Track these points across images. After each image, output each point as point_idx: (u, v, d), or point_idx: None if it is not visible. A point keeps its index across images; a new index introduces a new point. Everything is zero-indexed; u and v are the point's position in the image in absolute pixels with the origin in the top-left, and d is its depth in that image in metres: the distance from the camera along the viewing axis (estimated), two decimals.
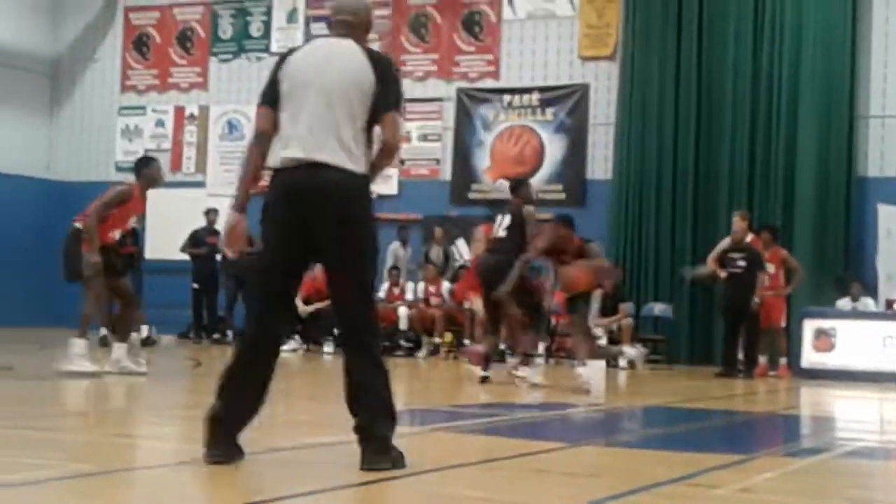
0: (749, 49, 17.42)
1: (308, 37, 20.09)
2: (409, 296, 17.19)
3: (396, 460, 5.23)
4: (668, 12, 17.81)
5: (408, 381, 13.05)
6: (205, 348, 16.78)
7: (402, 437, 7.17)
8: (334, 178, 5.07)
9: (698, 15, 17.65)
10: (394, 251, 18.31)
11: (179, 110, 20.90)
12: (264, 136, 5.24)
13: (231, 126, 20.54)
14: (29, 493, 4.55)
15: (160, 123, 21.05)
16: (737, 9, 17.51)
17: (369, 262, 5.23)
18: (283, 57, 5.37)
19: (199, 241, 18.31)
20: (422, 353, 16.57)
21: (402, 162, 19.35)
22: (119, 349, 10.46)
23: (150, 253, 20.45)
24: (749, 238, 15.05)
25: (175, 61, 21.06)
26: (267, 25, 20.45)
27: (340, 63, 5.21)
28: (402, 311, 16.86)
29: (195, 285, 18.20)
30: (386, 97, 5.19)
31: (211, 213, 18.67)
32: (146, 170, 10.97)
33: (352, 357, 5.23)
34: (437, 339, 16.63)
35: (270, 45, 20.40)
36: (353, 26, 5.41)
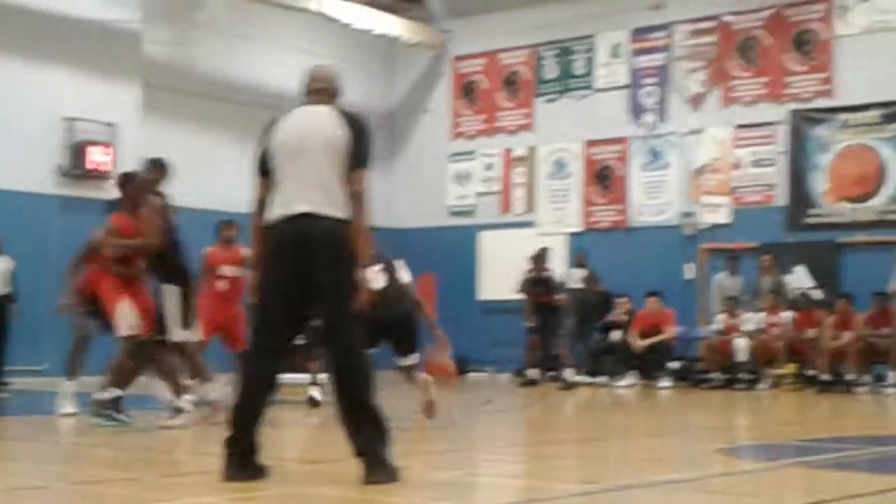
0: None
1: (633, 71, 20.05)
2: (748, 326, 16.65)
3: (392, 474, 5.67)
4: None
5: (750, 415, 12.65)
6: (541, 386, 16.87)
7: (749, 473, 6.95)
8: (325, 226, 5.76)
9: None
10: (718, 281, 17.82)
11: (507, 152, 21.33)
12: (264, 203, 5.93)
13: (559, 165, 20.75)
14: None
15: (489, 167, 21.55)
16: None
17: (354, 295, 5.78)
18: (267, 129, 6.01)
19: (532, 288, 18.40)
20: (763, 385, 16.00)
21: (734, 189, 18.88)
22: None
23: (484, 294, 20.99)
24: None
25: (501, 105, 21.53)
26: (590, 62, 20.57)
27: (320, 128, 5.89)
28: (739, 342, 16.34)
29: (530, 324, 18.35)
30: (358, 155, 5.85)
31: (538, 259, 18.77)
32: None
33: (345, 380, 5.75)
34: (779, 371, 16.01)
35: (594, 82, 20.49)
36: (328, 92, 6.12)
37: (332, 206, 5.79)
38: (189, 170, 18.58)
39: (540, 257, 17.64)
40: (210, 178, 18.03)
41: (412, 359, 9.87)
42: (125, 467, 7.08)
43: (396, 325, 9.74)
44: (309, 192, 5.79)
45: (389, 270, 10.39)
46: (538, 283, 16.96)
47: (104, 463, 7.19)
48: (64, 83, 17.12)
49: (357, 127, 5.93)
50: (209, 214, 17.32)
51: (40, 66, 16.93)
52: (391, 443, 5.77)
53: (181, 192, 18.23)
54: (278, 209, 5.84)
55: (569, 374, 16.72)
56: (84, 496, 5.68)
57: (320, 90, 6.13)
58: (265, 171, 5.96)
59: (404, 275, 10.52)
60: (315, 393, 11.56)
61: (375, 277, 9.88)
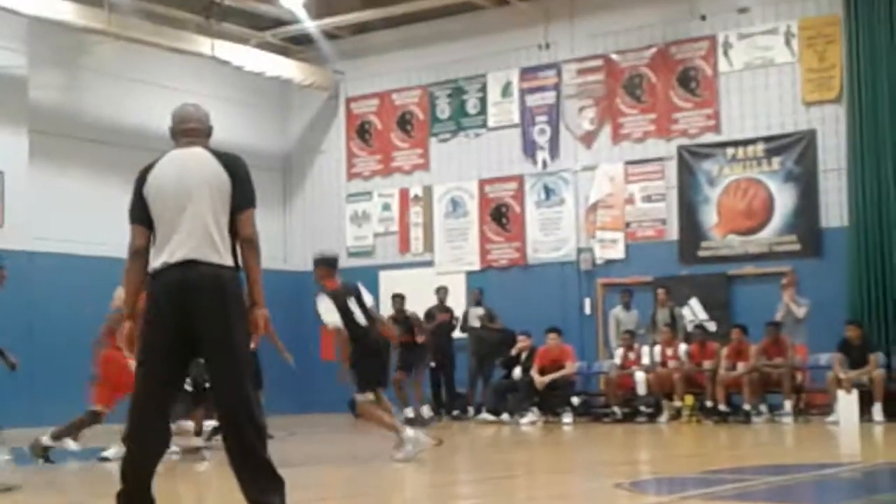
0: None
1: (525, 109, 20.29)
2: (645, 360, 16.87)
3: None
4: (895, 47, 17.11)
5: (652, 448, 12.78)
6: (445, 426, 16.88)
7: None
8: (208, 273, 5.58)
9: None
10: (615, 315, 18.10)
11: (404, 192, 21.37)
12: (140, 252, 5.74)
13: (455, 203, 20.84)
14: None
15: (387, 207, 21.56)
16: None
17: (245, 345, 5.68)
18: (142, 175, 5.80)
19: (432, 319, 18.60)
20: (663, 417, 16.19)
21: (628, 224, 19.16)
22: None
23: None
24: None
25: (397, 145, 21.58)
26: (482, 101, 20.74)
27: (196, 170, 5.69)
28: (639, 375, 16.55)
29: (432, 363, 18.43)
30: (242, 196, 5.70)
31: (441, 291, 18.97)
32: None
33: (237, 431, 5.59)
34: (677, 403, 16.22)
35: (487, 121, 20.66)
36: (201, 133, 5.90)
37: (216, 251, 5.63)
38: (78, 215, 18.39)
39: (398, 298, 17.81)
40: (99, 224, 17.72)
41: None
42: None
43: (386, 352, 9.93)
44: (191, 239, 5.61)
45: (359, 300, 10.45)
46: (398, 323, 16.80)
47: None
48: None
49: (235, 167, 5.75)
50: (98, 261, 17.07)
51: None
52: (285, 491, 5.67)
53: (70, 238, 18.01)
54: (160, 258, 5.67)
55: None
56: None
57: (192, 130, 5.91)
58: (142, 219, 5.76)
59: (368, 299, 10.57)
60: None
61: (349, 313, 9.95)
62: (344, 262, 21.48)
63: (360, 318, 10.30)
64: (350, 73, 21.98)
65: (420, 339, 17.47)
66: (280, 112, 22.65)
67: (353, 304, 10.33)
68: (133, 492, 5.63)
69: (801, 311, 16.36)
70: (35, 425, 13.20)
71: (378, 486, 8.97)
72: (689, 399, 16.10)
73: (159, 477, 5.77)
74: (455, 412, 18.28)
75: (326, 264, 10.61)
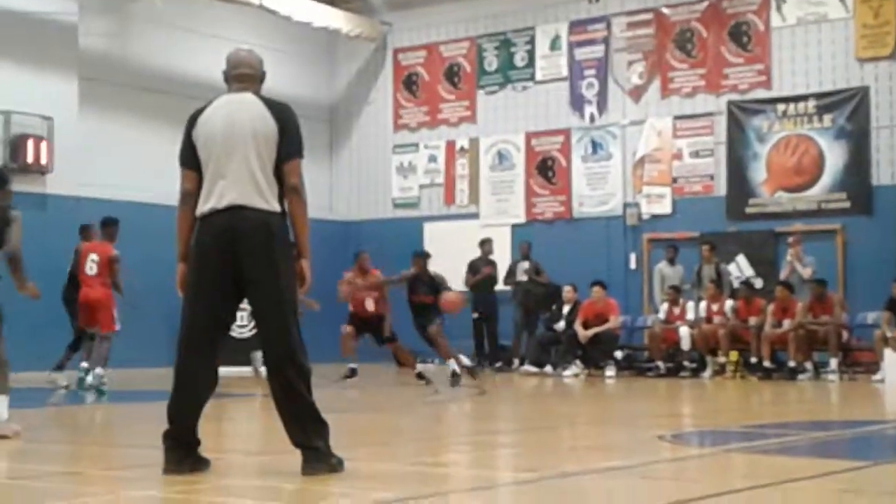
0: None
1: (573, 63, 20.13)
2: (690, 315, 16.78)
3: (335, 466, 5.65)
4: None
5: (695, 402, 12.75)
6: (487, 376, 16.92)
7: (693, 458, 7.00)
8: (255, 218, 5.62)
9: None
10: (660, 270, 18.00)
11: (450, 144, 21.31)
12: (190, 195, 5.78)
13: (501, 156, 20.77)
14: None
15: (433, 159, 21.52)
16: None
17: (291, 287, 5.71)
18: (191, 119, 5.82)
19: (476, 271, 18.63)
20: (706, 373, 16.13)
21: (675, 180, 19.02)
22: None
23: None
24: None
25: (444, 97, 21.51)
26: (531, 55, 20.60)
27: (245, 117, 5.70)
28: (684, 330, 16.48)
29: (475, 315, 18.47)
30: (290, 145, 5.72)
31: (486, 244, 18.95)
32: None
33: (280, 373, 5.65)
34: (721, 359, 16.16)
35: (535, 74, 20.53)
36: (253, 79, 5.91)
37: (262, 198, 5.65)
38: (125, 162, 18.52)
39: (420, 256, 16.12)
40: (146, 170, 17.86)
41: None
42: (69, 462, 6.97)
43: None
44: (238, 185, 5.64)
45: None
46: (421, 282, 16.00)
47: (48, 458, 7.07)
48: (0, 77, 16.83)
49: (285, 116, 5.76)
50: (144, 207, 17.19)
51: None
52: (329, 434, 5.71)
53: (118, 184, 18.15)
54: (207, 202, 5.70)
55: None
56: (23, 492, 5.57)
57: (245, 76, 5.91)
58: (191, 163, 5.78)
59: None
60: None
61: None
62: (389, 213, 21.82)
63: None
64: (397, 24, 21.89)
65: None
66: (327, 62, 22.62)
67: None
68: (179, 432, 5.70)
69: (806, 272, 16.22)
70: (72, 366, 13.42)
71: (419, 434, 9.02)
72: (734, 355, 16.03)
73: (205, 418, 5.83)
74: (498, 364, 18.32)
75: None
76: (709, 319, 16.48)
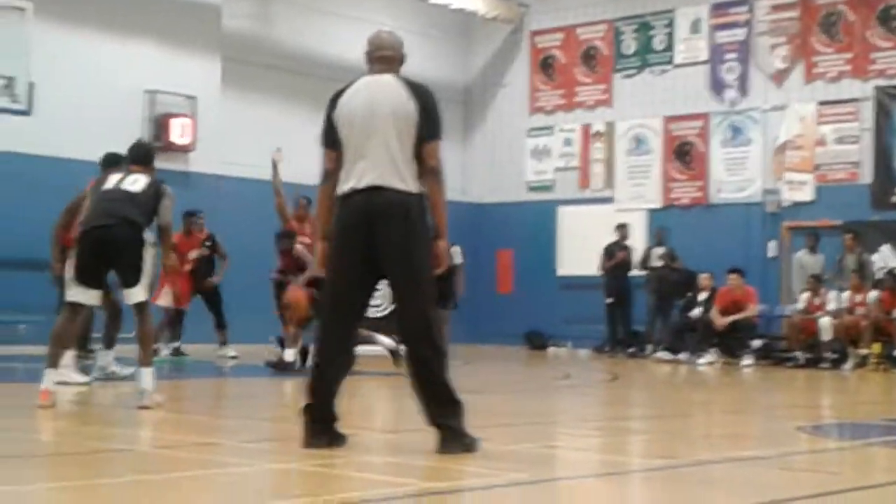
0: None
1: (714, 46, 19.76)
2: (831, 305, 16.34)
3: (469, 445, 5.67)
4: None
5: (835, 394, 12.43)
6: (620, 362, 16.79)
7: (833, 451, 6.82)
8: (394, 199, 5.66)
9: None
10: (799, 259, 17.56)
11: (586, 128, 21.14)
12: (330, 175, 5.85)
13: (638, 140, 20.52)
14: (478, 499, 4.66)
15: (568, 142, 21.38)
16: None
17: (427, 270, 5.75)
18: (333, 100, 5.88)
19: (612, 255, 18.50)
20: (848, 365, 15.70)
21: (817, 167, 18.54)
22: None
23: (562, 269, 20.89)
24: None
25: (580, 80, 21.33)
26: (670, 38, 20.28)
27: (385, 98, 5.74)
28: (825, 321, 16.05)
29: (609, 300, 18.34)
30: (428, 126, 5.74)
31: (621, 229, 18.78)
32: None
33: (417, 352, 5.70)
34: (863, 351, 15.71)
35: (674, 58, 20.21)
36: (393, 61, 5.95)
37: (401, 179, 5.69)
38: (266, 142, 18.81)
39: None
40: (286, 151, 18.11)
41: None
42: (205, 433, 7.14)
43: None
44: (378, 165, 5.69)
45: None
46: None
47: (184, 428, 7.26)
48: (146, 57, 17.28)
49: (425, 98, 5.79)
50: (286, 187, 17.47)
51: (123, 40, 17.10)
52: (465, 414, 5.73)
53: (258, 164, 18.51)
54: (347, 182, 5.76)
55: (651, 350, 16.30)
56: (165, 460, 5.73)
57: (386, 58, 5.95)
58: (332, 143, 5.85)
59: None
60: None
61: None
62: (523, 197, 21.76)
63: None
64: (534, 6, 21.78)
65: None
66: (463, 44, 22.64)
67: None
68: (318, 407, 5.77)
69: None
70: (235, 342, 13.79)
71: (552, 416, 8.99)
72: (877, 347, 15.57)
73: (346, 395, 5.90)
74: (631, 349, 18.16)
75: None
76: (851, 310, 16.03)
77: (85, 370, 10.14)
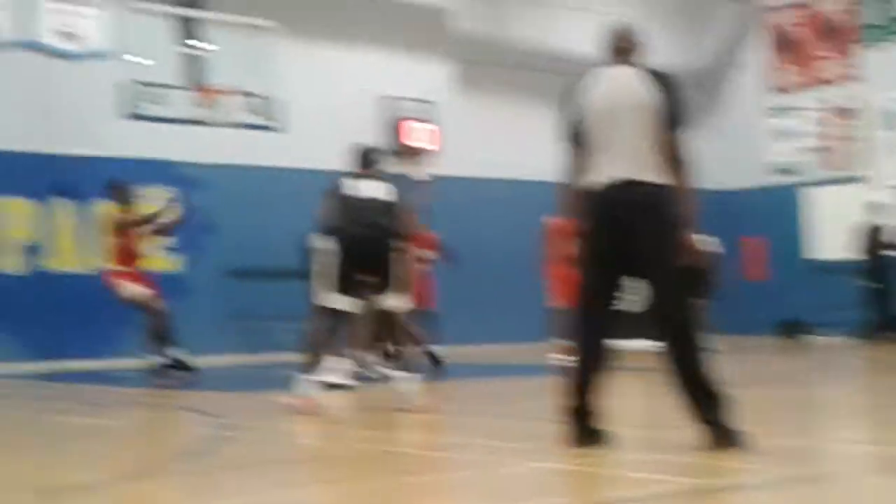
0: None
1: None
2: None
3: (735, 441, 5.49)
4: None
5: None
6: (882, 348, 16.03)
7: None
8: (643, 192, 5.59)
9: None
10: None
11: (830, 105, 20.24)
12: (573, 170, 5.82)
13: (892, 115, 19.44)
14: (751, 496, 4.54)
15: (810, 121, 20.54)
16: None
17: (680, 262, 5.66)
18: (571, 94, 5.84)
19: (875, 238, 17.73)
20: None
21: None
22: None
23: (814, 253, 20.06)
24: None
25: (821, 56, 20.46)
26: None
27: (626, 89, 5.69)
28: None
29: (873, 284, 17.56)
30: (675, 115, 5.67)
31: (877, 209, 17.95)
32: None
33: (674, 347, 5.59)
34: None
35: None
36: (632, 51, 5.93)
37: (648, 171, 5.64)
38: (505, 141, 19.01)
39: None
40: (526, 149, 18.21)
41: None
42: (466, 434, 7.23)
43: None
44: (623, 158, 5.65)
45: None
46: None
47: (445, 430, 7.37)
48: (383, 65, 17.73)
49: (668, 87, 5.72)
50: (526, 185, 17.56)
51: (357, 47, 17.62)
52: (729, 408, 5.59)
53: (499, 163, 18.75)
54: (593, 176, 5.73)
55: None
56: (436, 462, 5.83)
57: (625, 49, 5.95)
58: (573, 138, 5.84)
59: None
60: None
61: None
62: (765, 180, 20.99)
63: None
64: None
65: None
66: (694, 28, 22.15)
67: None
68: (580, 405, 5.75)
69: None
70: (467, 342, 13.96)
71: (812, 409, 8.70)
72: None
73: (614, 395, 5.85)
74: (889, 333, 17.32)
75: None
76: None
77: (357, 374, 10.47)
